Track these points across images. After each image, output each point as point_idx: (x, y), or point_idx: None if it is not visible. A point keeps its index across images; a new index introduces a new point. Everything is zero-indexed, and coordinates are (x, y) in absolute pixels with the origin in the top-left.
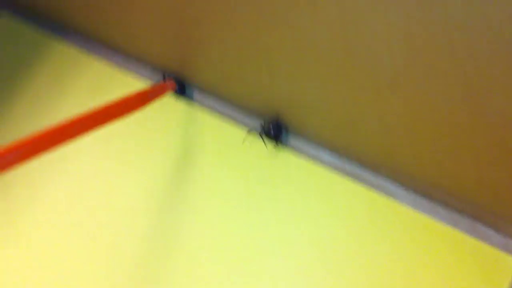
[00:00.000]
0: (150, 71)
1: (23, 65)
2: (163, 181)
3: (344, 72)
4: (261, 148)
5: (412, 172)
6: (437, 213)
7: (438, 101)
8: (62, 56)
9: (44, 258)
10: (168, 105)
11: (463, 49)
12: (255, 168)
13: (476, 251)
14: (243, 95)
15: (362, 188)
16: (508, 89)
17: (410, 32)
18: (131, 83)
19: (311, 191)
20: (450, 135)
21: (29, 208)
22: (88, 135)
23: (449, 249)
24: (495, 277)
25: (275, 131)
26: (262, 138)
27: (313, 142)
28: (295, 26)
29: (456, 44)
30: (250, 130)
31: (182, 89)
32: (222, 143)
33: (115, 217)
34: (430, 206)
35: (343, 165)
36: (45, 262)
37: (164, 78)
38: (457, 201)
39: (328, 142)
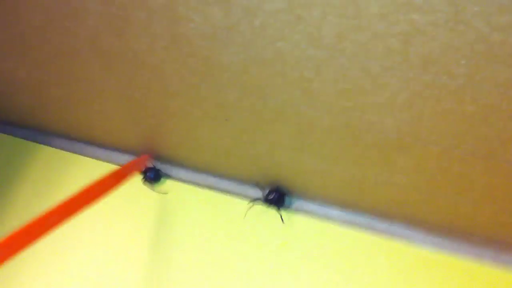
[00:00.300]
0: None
1: (11, 174)
2: (169, 267)
3: (348, 142)
4: (267, 217)
5: (427, 219)
6: (459, 250)
7: (449, 154)
8: (47, 159)
9: None
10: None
11: (467, 104)
12: (266, 238)
13: (502, 279)
14: (238, 169)
15: (378, 238)
16: None
17: (412, 96)
18: None
19: (326, 250)
20: (463, 186)
21: None
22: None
23: (477, 282)
24: None
25: (278, 197)
26: (267, 206)
27: (319, 202)
28: (296, 108)
29: (460, 100)
30: (252, 201)
31: (157, 176)
32: (225, 219)
33: None
34: (450, 244)
35: (354, 219)
36: None
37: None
38: (476, 238)
39: (335, 201)
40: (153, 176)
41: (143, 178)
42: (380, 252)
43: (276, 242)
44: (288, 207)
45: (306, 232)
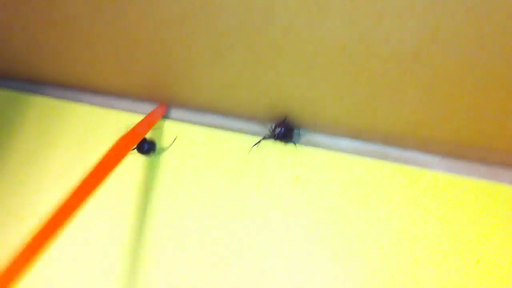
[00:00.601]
0: (133, 103)
1: (7, 127)
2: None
3: (361, 58)
4: (276, 153)
5: (442, 140)
6: (476, 172)
7: (469, 63)
8: (43, 110)
9: None
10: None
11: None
12: (276, 174)
13: None
14: (242, 105)
15: (391, 165)
16: None
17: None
18: (117, 119)
19: (339, 181)
20: (483, 101)
21: None
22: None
23: (495, 201)
24: None
25: (286, 131)
26: (276, 141)
27: (329, 133)
28: (306, 24)
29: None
30: (263, 137)
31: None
32: (232, 158)
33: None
34: (466, 166)
35: (366, 148)
36: None
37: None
38: (494, 159)
39: (346, 130)
40: (147, 148)
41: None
42: (394, 179)
43: (287, 177)
44: (296, 141)
45: (318, 165)
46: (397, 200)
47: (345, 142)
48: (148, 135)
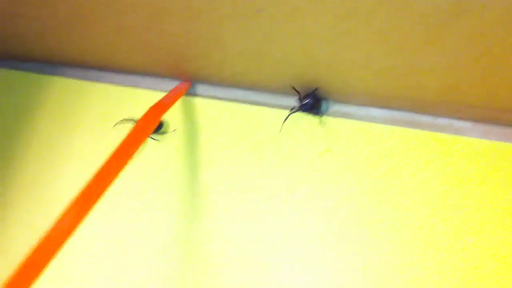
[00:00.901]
0: (155, 81)
1: (29, 111)
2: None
3: (396, 16)
4: (305, 125)
5: (476, 104)
6: (510, 136)
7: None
8: (64, 91)
9: None
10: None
11: None
12: (306, 147)
13: None
14: (269, 77)
15: (423, 133)
16: None
17: None
18: (139, 97)
19: (371, 151)
20: None
21: None
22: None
23: None
24: None
25: (314, 103)
26: (305, 113)
27: (358, 103)
28: None
29: None
30: (291, 110)
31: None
32: (260, 132)
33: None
34: (501, 131)
35: (397, 116)
36: None
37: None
38: None
39: (375, 100)
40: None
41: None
42: (427, 147)
43: (317, 149)
44: (325, 112)
45: (348, 136)
46: (431, 168)
47: (375, 112)
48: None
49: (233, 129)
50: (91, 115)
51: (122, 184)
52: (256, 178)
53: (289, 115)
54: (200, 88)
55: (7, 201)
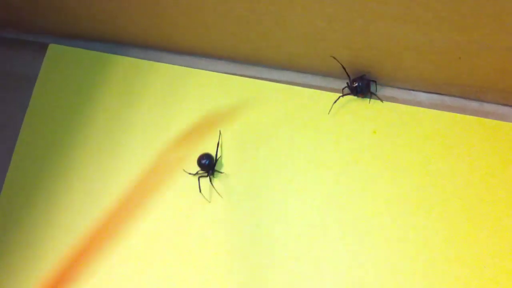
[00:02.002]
0: (212, 62)
1: (94, 87)
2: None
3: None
4: (354, 107)
5: None
6: None
7: None
8: (126, 70)
9: None
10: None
11: None
12: (354, 128)
13: None
14: (323, 59)
15: (470, 118)
16: None
17: None
18: (199, 78)
19: (418, 135)
20: None
21: None
22: None
23: None
24: None
25: (363, 86)
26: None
27: (407, 88)
28: None
29: None
30: (334, 91)
31: None
32: (310, 113)
33: None
34: None
35: (445, 101)
36: None
37: None
38: None
39: (424, 84)
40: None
41: None
42: (473, 132)
43: (366, 132)
44: (375, 95)
45: (396, 119)
46: (476, 153)
47: (423, 96)
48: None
49: (284, 111)
50: (152, 94)
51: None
52: (307, 158)
53: (339, 97)
54: (253, 70)
55: (70, 173)
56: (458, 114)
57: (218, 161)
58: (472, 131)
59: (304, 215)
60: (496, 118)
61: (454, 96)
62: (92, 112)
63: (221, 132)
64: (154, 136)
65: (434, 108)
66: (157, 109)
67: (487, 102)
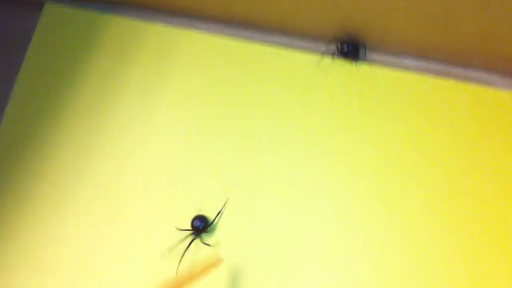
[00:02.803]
0: (210, 24)
1: (89, 46)
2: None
3: None
4: (342, 70)
5: (508, 55)
6: None
7: None
8: (120, 30)
9: None
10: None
11: None
12: (342, 91)
13: None
14: (312, 23)
15: (455, 83)
16: None
17: None
18: (193, 40)
19: (404, 98)
20: None
21: None
22: None
23: None
24: None
25: (352, 49)
26: (342, 58)
27: (394, 53)
28: None
29: None
30: (324, 54)
31: None
32: (299, 75)
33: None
34: None
35: (431, 67)
36: None
37: None
38: None
39: (411, 49)
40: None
41: None
42: (458, 97)
43: (353, 95)
44: (363, 59)
45: (383, 83)
46: (460, 118)
47: (409, 61)
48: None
49: (274, 74)
50: (146, 54)
51: None
52: (295, 122)
53: (330, 58)
54: (246, 33)
55: (60, 124)
56: (443, 79)
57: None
58: (457, 96)
59: (293, 176)
60: (480, 84)
61: (440, 61)
62: (86, 71)
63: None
64: (147, 95)
65: (420, 73)
66: (150, 69)
67: (472, 68)
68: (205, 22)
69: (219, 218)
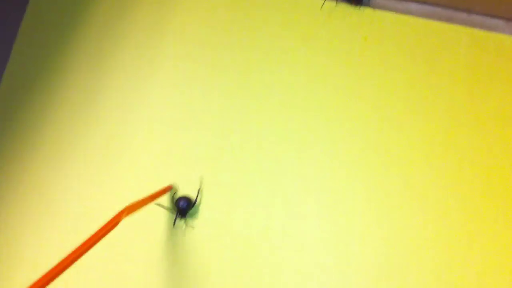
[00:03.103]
0: None
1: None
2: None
3: None
4: (346, 14)
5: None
6: None
7: None
8: None
9: None
10: None
11: None
12: (346, 35)
13: None
14: None
15: (458, 28)
16: None
17: None
18: None
19: (407, 42)
20: None
21: None
22: None
23: None
24: None
25: None
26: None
27: None
28: None
29: None
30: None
31: None
32: (304, 18)
33: None
34: None
35: (434, 11)
36: None
37: None
38: None
39: None
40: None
41: None
42: (460, 41)
43: (357, 38)
44: (367, 4)
45: (386, 27)
46: (463, 62)
47: (413, 6)
48: None
49: (278, 17)
50: (144, 4)
51: None
52: (300, 62)
53: (329, 0)
54: None
55: (67, 68)
56: (447, 24)
57: (194, 206)
58: (460, 40)
59: (294, 117)
60: (483, 29)
61: (444, 6)
62: (92, 17)
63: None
64: (146, 48)
65: (423, 18)
66: (149, 22)
67: (475, 12)
68: None
69: (200, 197)
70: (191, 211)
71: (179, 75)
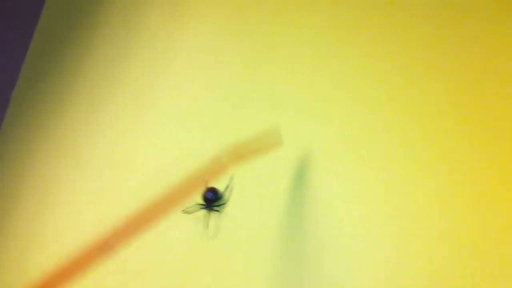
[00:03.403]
0: None
1: None
2: None
3: None
4: None
5: None
6: None
7: None
8: None
9: None
10: None
11: None
12: None
13: None
14: None
15: None
16: None
17: None
18: None
19: (432, 5)
20: None
21: None
22: None
23: None
24: None
25: None
26: None
27: None
28: None
29: None
30: None
31: None
32: None
33: None
34: None
35: None
36: None
37: None
38: None
39: None
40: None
41: None
42: (489, 6)
43: (382, 1)
44: None
45: None
46: (488, 24)
47: None
48: None
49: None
50: None
51: None
52: (327, 24)
53: None
54: None
55: (84, 69)
56: None
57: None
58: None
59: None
60: None
61: None
62: (103, 12)
63: None
64: (164, 38)
65: None
66: (167, 8)
67: None
68: None
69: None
70: (218, 206)
71: (201, 46)
